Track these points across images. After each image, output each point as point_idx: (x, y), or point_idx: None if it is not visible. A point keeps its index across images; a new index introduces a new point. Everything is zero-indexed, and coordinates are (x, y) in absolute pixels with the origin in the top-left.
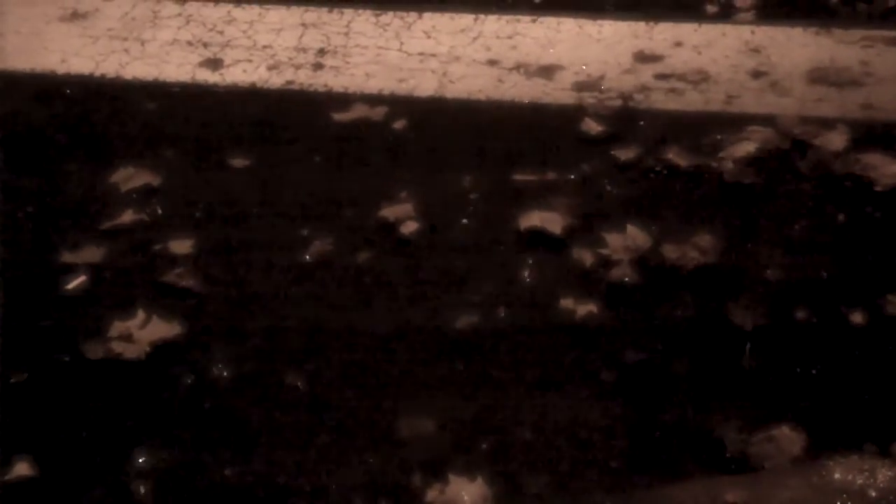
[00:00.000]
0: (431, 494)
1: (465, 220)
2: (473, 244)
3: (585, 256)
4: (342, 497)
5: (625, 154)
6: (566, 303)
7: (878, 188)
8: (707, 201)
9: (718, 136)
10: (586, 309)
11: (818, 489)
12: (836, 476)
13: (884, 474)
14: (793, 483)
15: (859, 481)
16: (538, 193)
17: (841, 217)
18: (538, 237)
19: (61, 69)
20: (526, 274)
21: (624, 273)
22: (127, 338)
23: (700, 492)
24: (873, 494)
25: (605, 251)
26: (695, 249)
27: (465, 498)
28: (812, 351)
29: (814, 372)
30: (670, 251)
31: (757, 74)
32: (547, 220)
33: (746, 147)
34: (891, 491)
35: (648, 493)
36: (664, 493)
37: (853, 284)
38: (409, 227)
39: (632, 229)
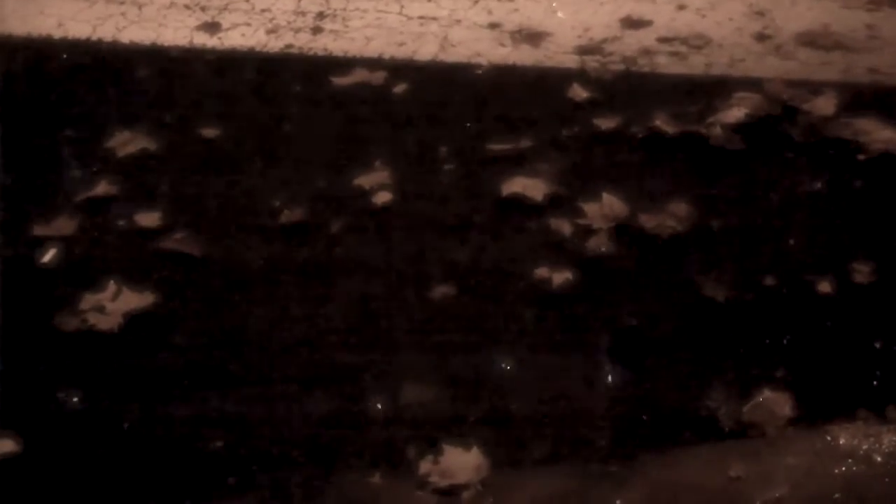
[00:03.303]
0: (425, 466)
1: (446, 188)
2: (454, 212)
3: (564, 225)
4: (340, 460)
5: (621, 121)
6: (542, 272)
7: (865, 155)
8: (693, 168)
9: (715, 101)
10: (563, 277)
11: (822, 455)
12: (841, 441)
13: (889, 439)
14: (796, 450)
15: (864, 446)
16: (525, 160)
17: (826, 183)
18: (518, 205)
19: (58, 33)
20: (503, 242)
21: (602, 242)
22: (100, 309)
23: (705, 466)
24: (878, 459)
25: (583, 220)
26: (672, 218)
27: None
28: (787, 318)
29: (791, 338)
30: (646, 220)
31: (761, 38)
32: (529, 186)
33: (738, 112)
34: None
35: (651, 469)
36: (667, 469)
37: (831, 251)
38: (383, 197)
39: (608, 198)
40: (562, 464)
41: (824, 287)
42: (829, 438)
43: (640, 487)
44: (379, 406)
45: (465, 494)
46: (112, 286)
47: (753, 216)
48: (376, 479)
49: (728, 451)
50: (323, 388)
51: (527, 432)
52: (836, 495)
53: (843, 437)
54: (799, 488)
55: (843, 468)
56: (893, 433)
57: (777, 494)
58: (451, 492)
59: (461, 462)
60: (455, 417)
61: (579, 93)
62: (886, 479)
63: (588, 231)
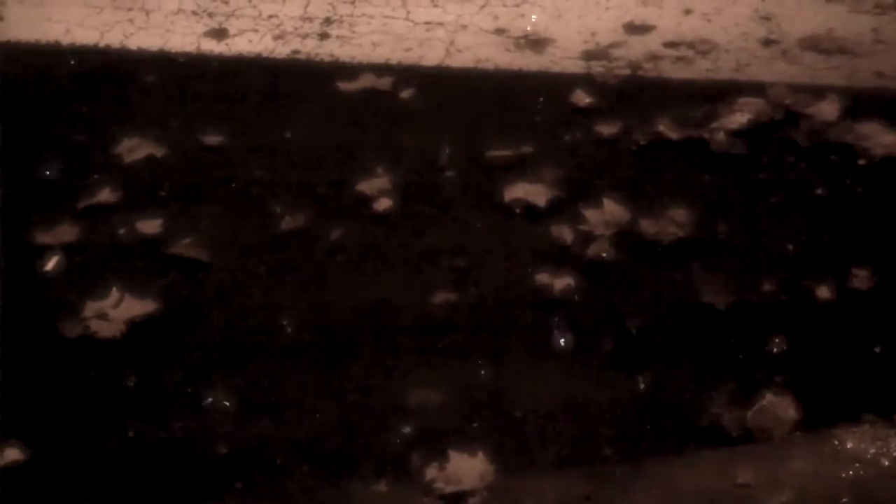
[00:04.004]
0: (431, 472)
1: (447, 193)
2: (456, 218)
3: (565, 231)
4: (344, 467)
5: (624, 126)
6: (543, 277)
7: (866, 160)
8: (695, 174)
9: (719, 106)
10: (564, 282)
11: (829, 459)
12: (848, 446)
13: None
14: (802, 454)
15: (871, 450)
16: (527, 165)
17: (828, 188)
18: (520, 210)
19: (65, 40)
20: (505, 248)
21: (603, 248)
22: (102, 316)
23: (711, 471)
24: (886, 463)
25: (584, 226)
26: (673, 224)
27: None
28: (791, 324)
29: (795, 343)
30: (648, 226)
31: (767, 42)
32: (531, 192)
33: (741, 117)
34: None
35: (657, 475)
36: (673, 474)
37: (833, 257)
38: (384, 204)
39: (610, 203)
40: (567, 470)
41: (826, 293)
42: (835, 443)
43: (646, 493)
44: (383, 413)
45: (471, 501)
46: (114, 293)
47: (755, 222)
48: (382, 486)
49: (734, 456)
50: (327, 394)
51: (532, 438)
52: (844, 499)
53: (850, 441)
54: (806, 493)
55: (851, 472)
56: None
57: (784, 499)
58: (457, 498)
59: (467, 468)
60: (460, 423)
61: (582, 98)
62: (894, 484)
63: (589, 237)
